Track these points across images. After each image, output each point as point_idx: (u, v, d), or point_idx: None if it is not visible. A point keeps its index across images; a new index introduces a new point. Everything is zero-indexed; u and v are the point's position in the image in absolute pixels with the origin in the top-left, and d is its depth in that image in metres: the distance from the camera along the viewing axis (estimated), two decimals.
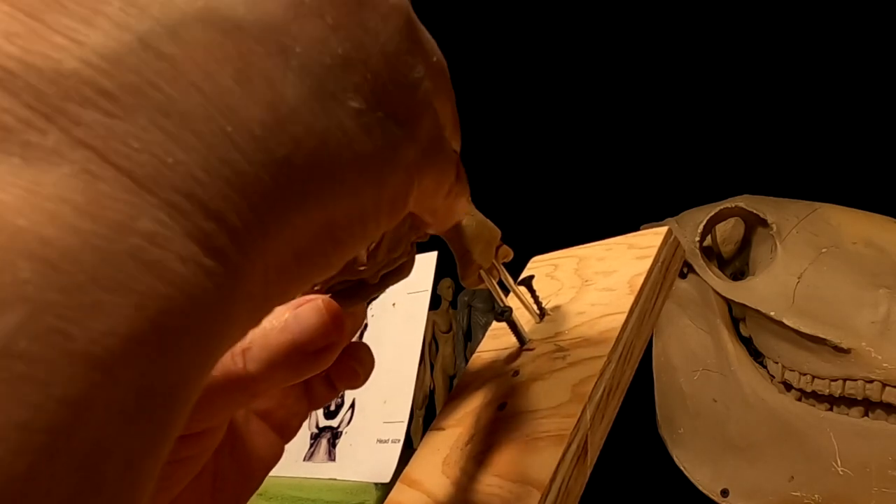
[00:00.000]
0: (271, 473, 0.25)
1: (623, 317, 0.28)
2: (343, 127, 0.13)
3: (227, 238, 0.11)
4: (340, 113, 0.13)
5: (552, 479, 0.24)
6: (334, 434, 0.61)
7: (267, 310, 0.13)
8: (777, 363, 0.53)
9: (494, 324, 0.34)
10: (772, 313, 0.51)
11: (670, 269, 0.31)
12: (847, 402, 0.49)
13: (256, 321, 0.13)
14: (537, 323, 0.32)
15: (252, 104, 0.11)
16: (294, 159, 0.12)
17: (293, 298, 0.14)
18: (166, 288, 0.10)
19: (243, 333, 0.13)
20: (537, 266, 0.37)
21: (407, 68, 0.14)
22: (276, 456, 0.25)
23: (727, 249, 0.62)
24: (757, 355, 0.57)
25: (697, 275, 0.59)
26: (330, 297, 0.21)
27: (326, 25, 0.12)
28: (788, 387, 0.53)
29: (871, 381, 0.47)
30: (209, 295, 0.11)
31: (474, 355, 0.34)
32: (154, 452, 0.11)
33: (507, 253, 0.30)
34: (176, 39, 0.11)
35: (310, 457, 0.61)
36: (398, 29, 0.14)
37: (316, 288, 0.22)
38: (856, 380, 0.47)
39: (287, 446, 0.26)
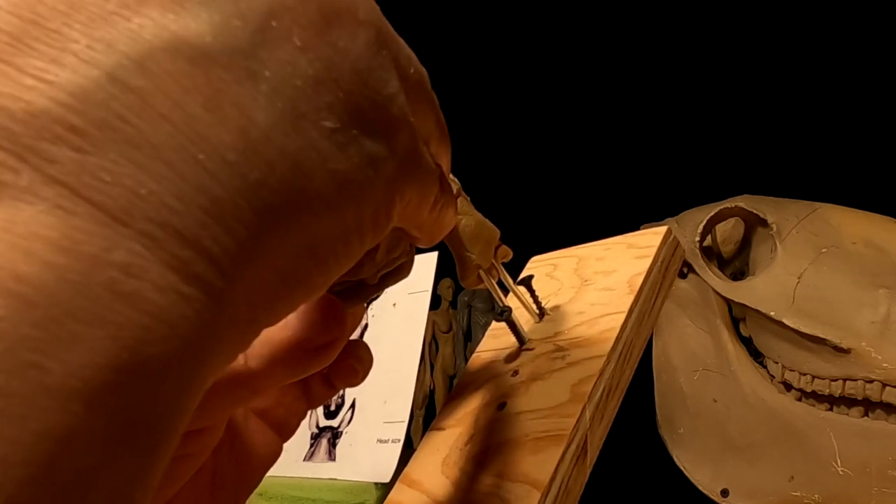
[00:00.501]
0: (271, 473, 0.25)
1: (622, 317, 0.28)
2: (317, 147, 0.13)
3: (206, 264, 0.11)
4: (314, 133, 0.13)
5: (552, 479, 0.24)
6: (334, 434, 0.61)
7: (255, 332, 0.13)
8: (777, 363, 0.53)
9: (494, 324, 0.34)
10: (772, 313, 0.51)
11: (670, 268, 0.31)
12: (847, 402, 0.49)
13: (245, 344, 0.13)
14: (537, 323, 0.32)
15: (223, 130, 0.11)
16: (269, 182, 0.12)
17: (281, 320, 0.14)
18: (144, 318, 0.10)
19: (232, 357, 0.13)
20: (537, 266, 0.37)
21: (380, 84, 0.14)
22: (275, 454, 0.25)
23: (727, 249, 0.62)
24: (757, 355, 0.57)
25: (697, 275, 0.59)
26: None
27: (295, 47, 0.12)
28: (788, 387, 0.53)
29: (871, 381, 0.47)
30: (190, 322, 0.11)
31: (474, 355, 0.34)
32: (142, 480, 0.11)
33: (507, 253, 0.30)
34: (144, 71, 0.11)
35: (310, 457, 0.61)
36: (369, 45, 0.14)
37: None
38: (856, 380, 0.47)
39: (287, 446, 0.26)
